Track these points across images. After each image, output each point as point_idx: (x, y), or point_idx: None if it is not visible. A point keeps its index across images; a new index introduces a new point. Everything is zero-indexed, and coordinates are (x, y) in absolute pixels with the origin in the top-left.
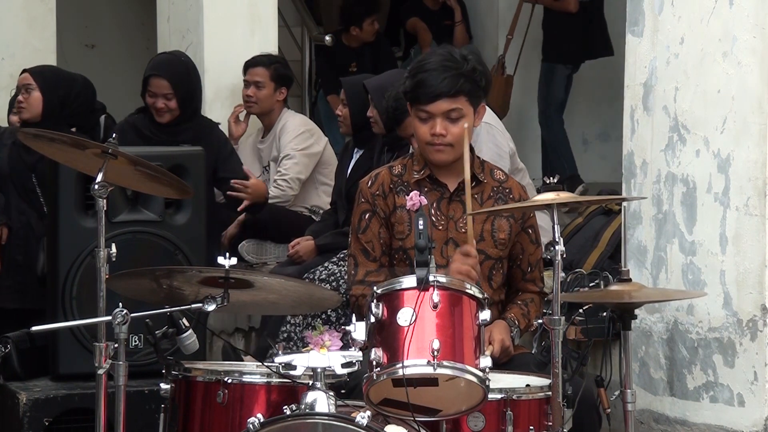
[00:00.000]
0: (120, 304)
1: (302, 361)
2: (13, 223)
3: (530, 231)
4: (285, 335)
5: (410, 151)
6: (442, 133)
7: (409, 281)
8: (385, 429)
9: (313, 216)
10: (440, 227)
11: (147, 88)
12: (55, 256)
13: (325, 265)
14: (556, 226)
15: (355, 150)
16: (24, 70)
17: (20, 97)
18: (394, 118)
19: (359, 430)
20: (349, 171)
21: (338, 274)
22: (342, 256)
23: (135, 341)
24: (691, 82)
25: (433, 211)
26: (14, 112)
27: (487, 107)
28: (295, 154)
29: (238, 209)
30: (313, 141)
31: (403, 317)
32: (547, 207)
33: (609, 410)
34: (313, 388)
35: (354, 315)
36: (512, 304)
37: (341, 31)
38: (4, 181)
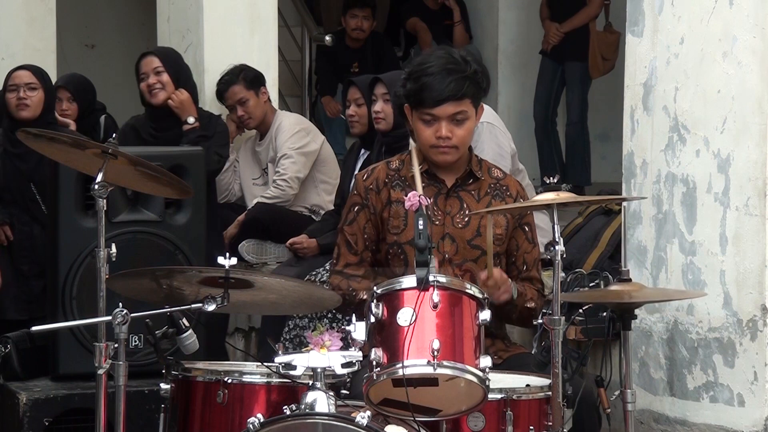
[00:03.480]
0: (120, 304)
1: (302, 361)
2: (16, 234)
3: (526, 228)
4: (297, 340)
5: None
6: (447, 136)
7: (409, 281)
8: (385, 429)
9: (313, 216)
10: (437, 222)
11: (139, 73)
12: (55, 256)
13: (327, 266)
14: (556, 226)
15: (362, 151)
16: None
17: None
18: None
19: (359, 430)
20: (355, 173)
21: None
22: None
23: (135, 341)
24: (691, 82)
25: (430, 206)
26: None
27: (488, 107)
28: (292, 153)
29: None
30: (309, 139)
31: (403, 317)
32: (547, 207)
33: (609, 410)
34: (313, 388)
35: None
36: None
37: (342, 31)
38: (2, 191)
